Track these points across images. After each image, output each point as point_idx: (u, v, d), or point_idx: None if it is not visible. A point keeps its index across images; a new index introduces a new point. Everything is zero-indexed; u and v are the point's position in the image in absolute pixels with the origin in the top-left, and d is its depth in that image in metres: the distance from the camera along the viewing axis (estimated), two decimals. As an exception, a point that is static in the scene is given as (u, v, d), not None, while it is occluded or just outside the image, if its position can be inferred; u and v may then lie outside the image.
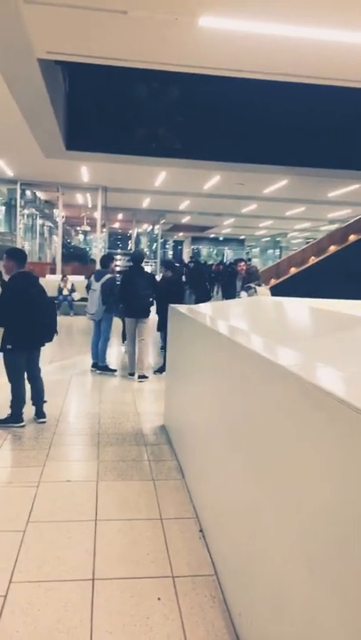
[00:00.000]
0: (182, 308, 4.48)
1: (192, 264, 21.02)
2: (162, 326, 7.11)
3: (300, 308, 3.82)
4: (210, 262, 29.53)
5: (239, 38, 5.77)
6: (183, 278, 10.90)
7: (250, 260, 9.37)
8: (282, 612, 1.69)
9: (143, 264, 7.15)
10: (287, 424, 1.71)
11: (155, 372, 7.04)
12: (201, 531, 2.90)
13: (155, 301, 7.02)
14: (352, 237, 14.38)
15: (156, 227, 25.20)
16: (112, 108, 11.29)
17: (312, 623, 1.45)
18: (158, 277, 8.82)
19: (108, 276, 6.90)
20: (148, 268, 7.71)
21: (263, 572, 1.88)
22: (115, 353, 8.33)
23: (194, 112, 11.57)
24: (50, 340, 4.79)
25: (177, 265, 9.53)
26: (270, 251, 40.15)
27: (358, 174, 12.91)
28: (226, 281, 9.23)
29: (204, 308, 4.56)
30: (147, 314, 6.82)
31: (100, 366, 7.03)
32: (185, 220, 26.15)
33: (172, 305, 4.81)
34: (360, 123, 11.78)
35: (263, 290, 7.81)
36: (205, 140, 11.49)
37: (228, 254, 39.64)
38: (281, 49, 6.06)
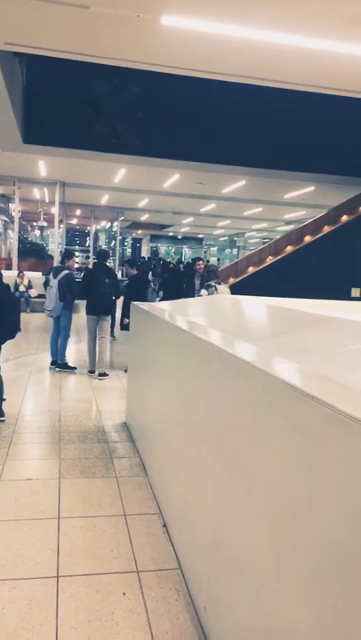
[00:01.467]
0: (145, 305, 4.50)
1: (153, 262, 21.02)
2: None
3: (260, 306, 3.90)
4: (168, 260, 29.61)
5: (202, 39, 5.82)
6: (150, 276, 10.90)
7: (207, 260, 9.61)
8: (247, 604, 1.74)
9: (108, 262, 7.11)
10: (252, 418, 1.76)
11: (125, 370, 6.91)
12: (165, 526, 2.94)
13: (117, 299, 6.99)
14: (308, 238, 14.74)
15: (115, 224, 25.03)
16: (71, 103, 11.15)
17: (278, 613, 1.49)
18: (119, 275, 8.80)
19: (66, 272, 6.83)
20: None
21: (228, 564, 1.93)
22: (75, 350, 8.25)
23: (155, 109, 11.59)
24: (13, 337, 4.70)
25: (139, 263, 9.51)
26: (228, 250, 40.58)
27: (313, 177, 13.29)
28: (189, 279, 9.30)
29: (167, 305, 4.59)
30: (109, 311, 6.79)
31: (59, 364, 6.95)
32: (144, 217, 26.10)
33: (134, 302, 4.82)
34: (315, 127, 12.12)
35: (223, 288, 7.91)
36: (166, 137, 11.52)
37: (187, 253, 39.82)
38: (243, 51, 6.15)
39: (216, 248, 42.66)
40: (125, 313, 6.43)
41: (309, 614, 1.31)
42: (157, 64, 6.81)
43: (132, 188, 16.46)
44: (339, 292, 10.68)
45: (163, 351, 3.40)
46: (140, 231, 34.97)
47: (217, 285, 7.80)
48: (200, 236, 37.83)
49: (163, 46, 6.13)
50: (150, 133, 11.60)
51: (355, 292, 12.02)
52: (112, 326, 8.69)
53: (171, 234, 36.20)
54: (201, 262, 9.25)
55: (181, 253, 39.79)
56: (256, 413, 1.74)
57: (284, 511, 1.48)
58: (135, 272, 7.44)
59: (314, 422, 1.31)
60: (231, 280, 13.63)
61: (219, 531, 2.06)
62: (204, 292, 7.88)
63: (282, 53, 6.14)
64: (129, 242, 39.87)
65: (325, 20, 5.33)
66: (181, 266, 18.05)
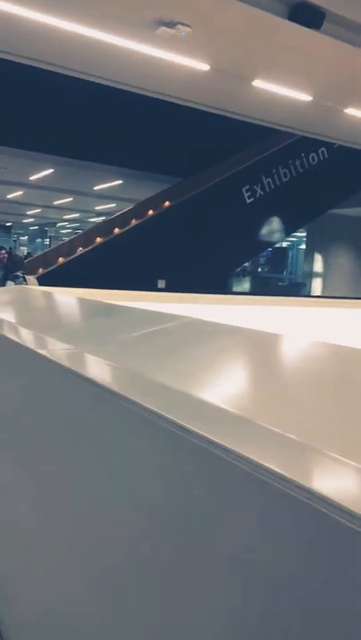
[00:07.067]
0: None
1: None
2: None
3: (64, 298, 3.89)
4: None
5: (9, 20, 5.52)
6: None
7: (10, 249, 9.29)
8: (38, 599, 1.74)
9: None
10: (35, 406, 1.76)
11: None
12: None
13: None
14: (117, 231, 15.07)
15: None
16: None
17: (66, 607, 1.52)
18: None
19: None
20: None
21: (22, 562, 1.91)
22: None
23: None
24: None
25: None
26: (39, 240, 39.29)
27: (120, 171, 13.65)
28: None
29: None
30: None
31: None
32: None
33: None
34: (123, 122, 12.42)
35: (32, 279, 7.73)
36: None
37: (-6, 241, 37.41)
38: (52, 38, 5.98)
39: (27, 237, 40.96)
40: None
41: (93, 607, 1.34)
42: None
43: None
44: (146, 283, 11.17)
45: None
46: None
47: (25, 276, 7.60)
48: (8, 224, 35.91)
49: None
50: None
51: (161, 283, 12.70)
52: None
53: (-25, 220, 33.67)
54: (4, 252, 8.83)
55: (-12, 242, 37.26)
56: (35, 398, 1.74)
57: (68, 505, 1.51)
58: None
59: (81, 399, 1.36)
60: (40, 271, 13.26)
61: (14, 530, 2.02)
62: (10, 283, 7.59)
63: (83, 45, 6.15)
64: None
65: (127, 20, 5.49)
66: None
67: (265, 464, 0.57)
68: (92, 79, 7.43)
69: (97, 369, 1.52)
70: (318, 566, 0.48)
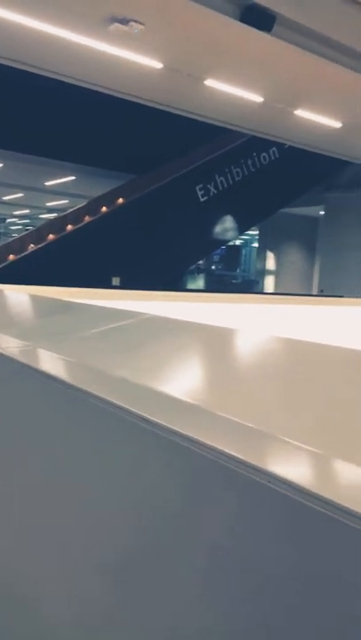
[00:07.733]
0: None
1: None
2: None
3: (19, 296, 3.82)
4: None
5: None
6: None
7: None
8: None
9: None
10: (9, 411, 1.74)
11: None
12: None
13: None
14: (70, 227, 14.85)
15: None
16: None
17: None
18: None
19: None
20: None
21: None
22: None
23: None
24: None
25: None
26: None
27: (72, 166, 13.46)
28: None
29: None
30: None
31: None
32: None
33: None
34: (76, 117, 12.24)
35: (-21, 277, 7.51)
36: None
37: None
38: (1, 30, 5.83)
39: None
40: None
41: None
42: None
43: None
44: (101, 280, 11.08)
45: None
46: None
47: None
48: None
49: None
50: None
51: (115, 280, 12.62)
52: None
53: None
54: None
55: None
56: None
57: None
58: None
59: (40, 395, 1.35)
60: (-11, 268, 12.91)
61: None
62: None
63: (34, 38, 6.02)
64: None
65: (80, 15, 5.42)
66: None
67: (227, 451, 0.60)
68: (43, 73, 7.28)
69: (55, 364, 1.52)
70: (281, 543, 0.51)
